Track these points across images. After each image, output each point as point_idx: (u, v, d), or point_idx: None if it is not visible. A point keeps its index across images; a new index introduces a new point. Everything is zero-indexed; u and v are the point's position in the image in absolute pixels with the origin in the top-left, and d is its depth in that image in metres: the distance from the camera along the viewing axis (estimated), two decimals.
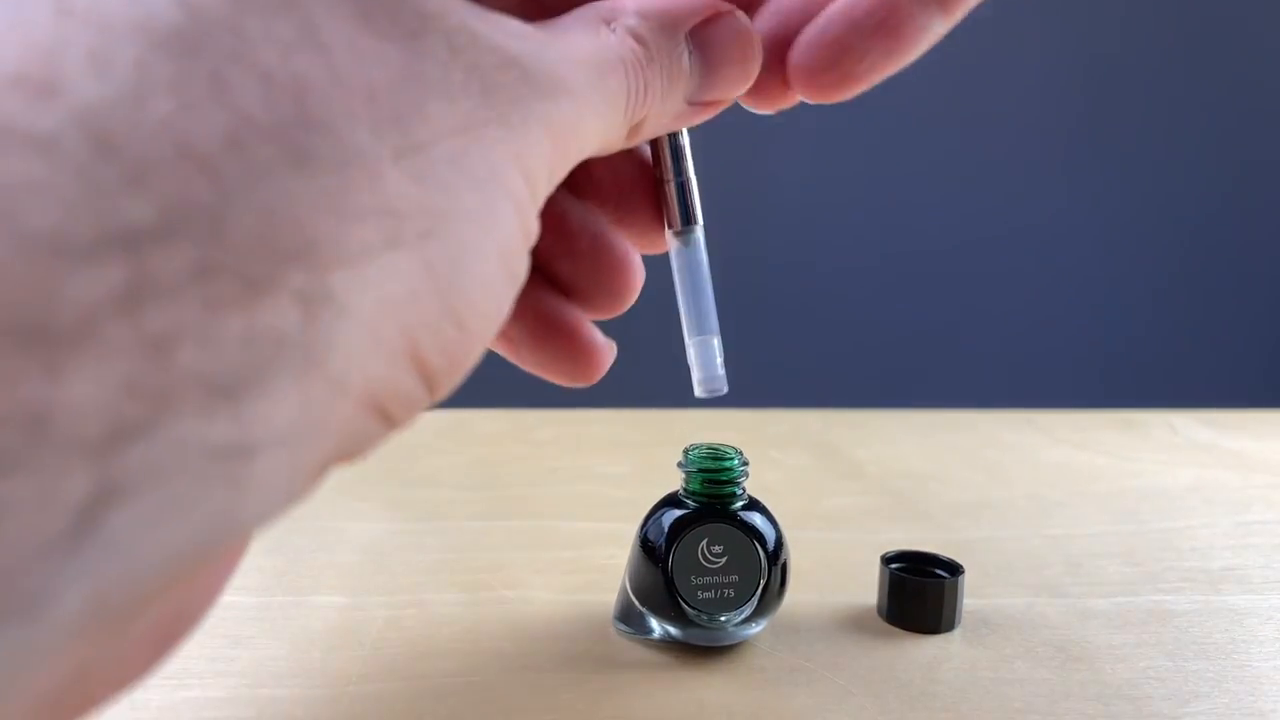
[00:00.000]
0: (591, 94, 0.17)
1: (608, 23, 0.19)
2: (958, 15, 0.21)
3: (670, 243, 0.24)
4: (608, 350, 0.24)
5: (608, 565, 0.33)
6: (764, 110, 0.23)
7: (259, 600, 0.29)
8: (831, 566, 0.33)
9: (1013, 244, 1.61)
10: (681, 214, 0.23)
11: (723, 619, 0.24)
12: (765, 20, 0.22)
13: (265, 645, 0.26)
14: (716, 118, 0.23)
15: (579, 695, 0.23)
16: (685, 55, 0.19)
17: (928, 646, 0.27)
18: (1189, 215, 1.65)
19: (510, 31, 0.15)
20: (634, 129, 0.19)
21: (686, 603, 0.24)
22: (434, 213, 0.13)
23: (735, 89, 0.21)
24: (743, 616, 0.25)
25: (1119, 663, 0.26)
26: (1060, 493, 0.43)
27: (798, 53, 0.21)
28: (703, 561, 0.24)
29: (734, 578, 0.24)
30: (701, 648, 0.26)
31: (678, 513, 0.25)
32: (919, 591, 0.28)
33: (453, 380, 0.14)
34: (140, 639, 0.12)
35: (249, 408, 0.10)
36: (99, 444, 0.09)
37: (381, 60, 0.12)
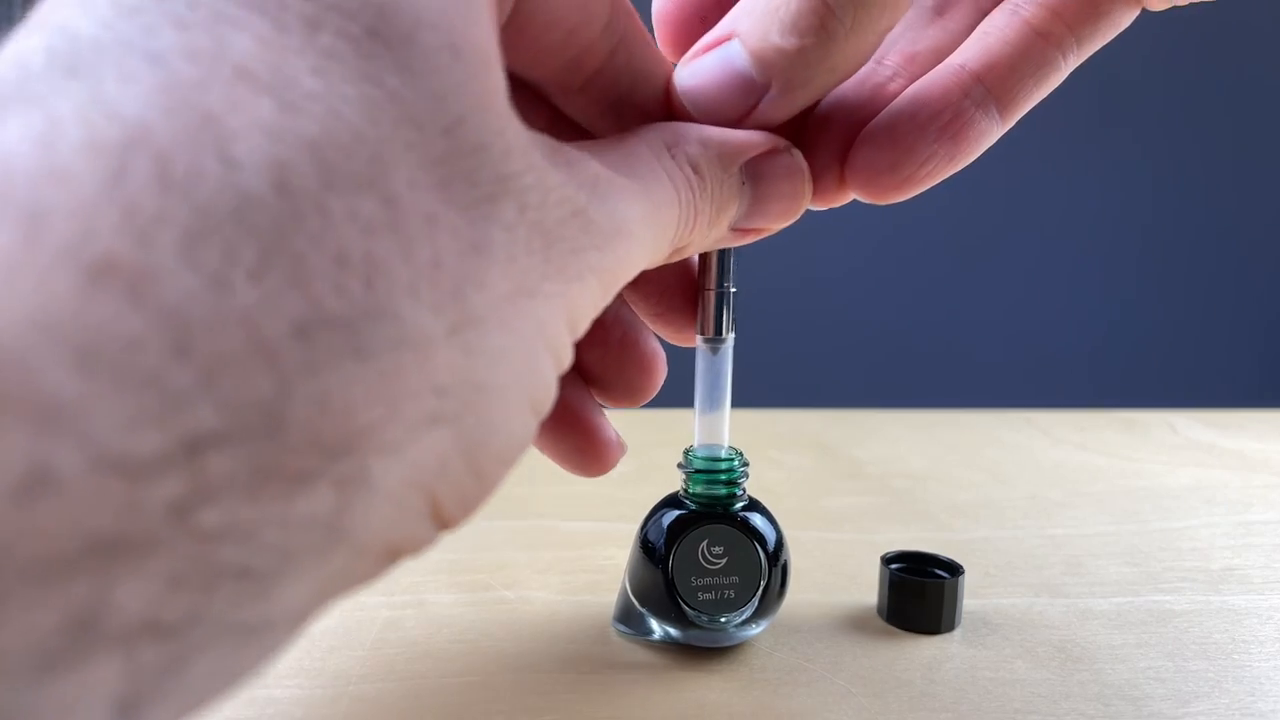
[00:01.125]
0: (646, 233, 0.17)
1: (670, 148, 0.19)
2: (1014, 120, 0.21)
3: (699, 345, 0.24)
4: (618, 448, 0.24)
5: (608, 565, 0.33)
6: (816, 206, 0.23)
7: None
8: (831, 566, 0.33)
9: (1013, 244, 1.61)
10: (716, 323, 0.24)
11: (723, 620, 0.24)
12: (824, 114, 0.22)
13: None
14: None
15: (579, 695, 0.23)
16: (739, 185, 0.20)
17: (928, 647, 0.27)
18: (1189, 215, 1.65)
19: (582, 177, 0.16)
20: (676, 251, 0.19)
21: (687, 604, 0.24)
22: (477, 385, 0.13)
23: (781, 221, 0.21)
24: (743, 618, 0.25)
25: (1119, 663, 0.26)
26: (1060, 493, 0.43)
27: (859, 155, 0.21)
28: (703, 563, 0.24)
29: (734, 579, 0.24)
30: (701, 648, 0.26)
31: (678, 513, 0.25)
32: (919, 592, 0.28)
33: (467, 518, 0.14)
34: None
35: (274, 589, 0.11)
36: (138, 639, 0.09)
37: (452, 231, 0.13)
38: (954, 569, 0.29)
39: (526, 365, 0.14)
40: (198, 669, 0.10)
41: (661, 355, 0.25)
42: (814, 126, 0.22)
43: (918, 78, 0.22)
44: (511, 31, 0.20)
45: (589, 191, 0.16)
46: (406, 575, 0.31)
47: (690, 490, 0.25)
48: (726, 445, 0.25)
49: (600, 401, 0.25)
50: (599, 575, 0.32)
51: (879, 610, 0.29)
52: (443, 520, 0.14)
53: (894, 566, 0.29)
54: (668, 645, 0.26)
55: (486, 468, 0.14)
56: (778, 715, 0.23)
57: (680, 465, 0.26)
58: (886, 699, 0.24)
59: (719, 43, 0.19)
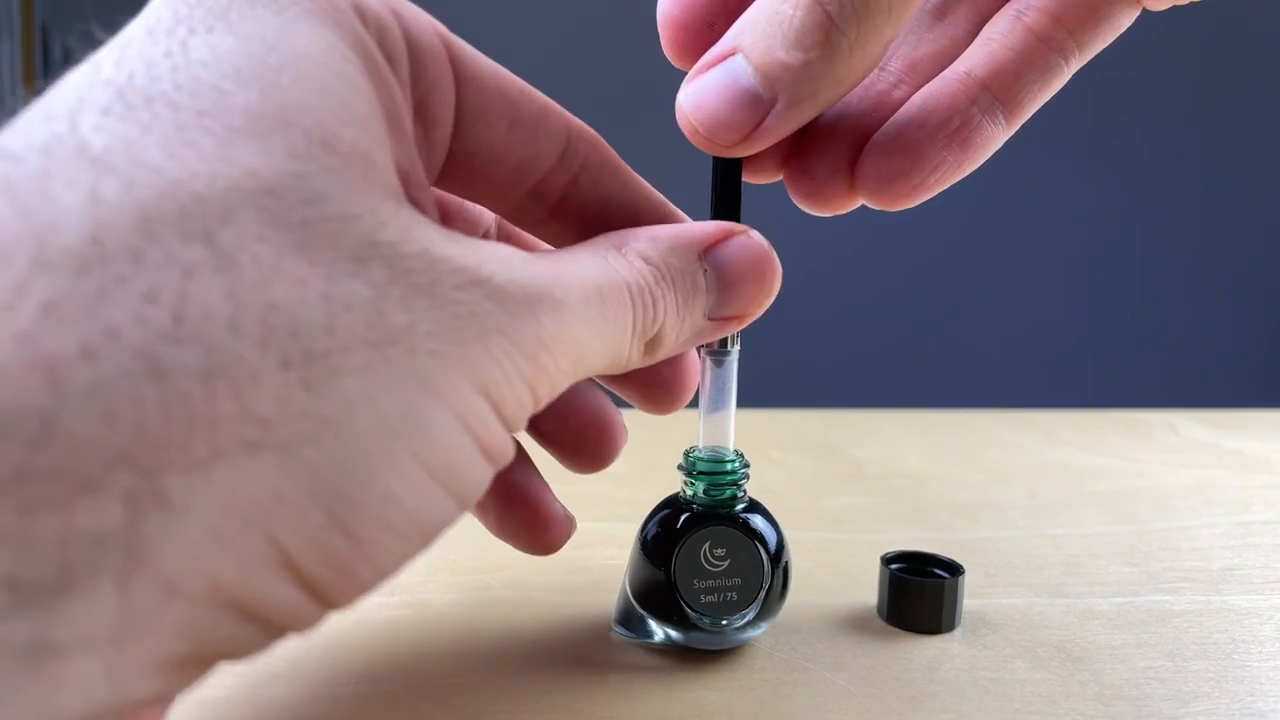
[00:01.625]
0: (586, 308, 0.17)
1: (619, 248, 0.19)
2: (1019, 124, 0.22)
3: (704, 356, 0.24)
4: (567, 525, 0.25)
5: (608, 565, 0.33)
6: (824, 214, 0.23)
7: None
8: (831, 566, 0.33)
9: (1014, 244, 1.61)
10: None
11: (725, 622, 0.24)
12: (830, 124, 0.22)
13: None
14: None
15: (579, 695, 0.23)
16: (701, 274, 0.20)
17: (928, 647, 0.27)
18: (1190, 215, 1.65)
19: (489, 256, 0.16)
20: (650, 344, 0.20)
21: (689, 606, 0.24)
22: (321, 419, 0.13)
23: (754, 305, 0.21)
24: (746, 620, 0.24)
25: (1119, 663, 0.26)
26: (1061, 493, 0.43)
27: (869, 163, 0.21)
28: (705, 565, 0.24)
29: (736, 580, 0.24)
30: (701, 649, 0.26)
31: (679, 515, 0.25)
32: (919, 592, 0.28)
33: (349, 591, 0.14)
34: None
35: (61, 606, 0.11)
36: None
37: (297, 280, 0.13)
38: (954, 569, 0.29)
39: (405, 417, 0.14)
40: None
41: (619, 420, 0.25)
42: (820, 135, 0.23)
43: (921, 84, 0.22)
44: (458, 165, 0.21)
45: (497, 264, 0.16)
46: (407, 575, 0.31)
47: (691, 492, 0.25)
48: (731, 447, 0.25)
49: (568, 466, 0.25)
50: (599, 575, 0.32)
51: (879, 610, 0.29)
52: (305, 579, 0.13)
53: (894, 566, 0.29)
54: (667, 646, 0.26)
55: (359, 527, 0.13)
56: (778, 715, 0.23)
57: (680, 467, 0.26)
58: (886, 699, 0.24)
59: (722, 59, 0.19)
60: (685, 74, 0.23)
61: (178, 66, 0.14)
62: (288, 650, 0.25)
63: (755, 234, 0.21)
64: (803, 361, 1.42)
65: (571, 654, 0.26)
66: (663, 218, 0.22)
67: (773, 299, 0.21)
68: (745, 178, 0.23)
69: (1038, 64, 0.21)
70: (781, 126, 0.19)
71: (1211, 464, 0.48)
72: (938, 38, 0.23)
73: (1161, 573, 0.33)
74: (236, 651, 0.13)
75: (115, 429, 0.11)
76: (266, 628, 0.13)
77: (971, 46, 0.22)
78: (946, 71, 0.22)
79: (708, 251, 0.20)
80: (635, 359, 0.19)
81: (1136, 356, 1.68)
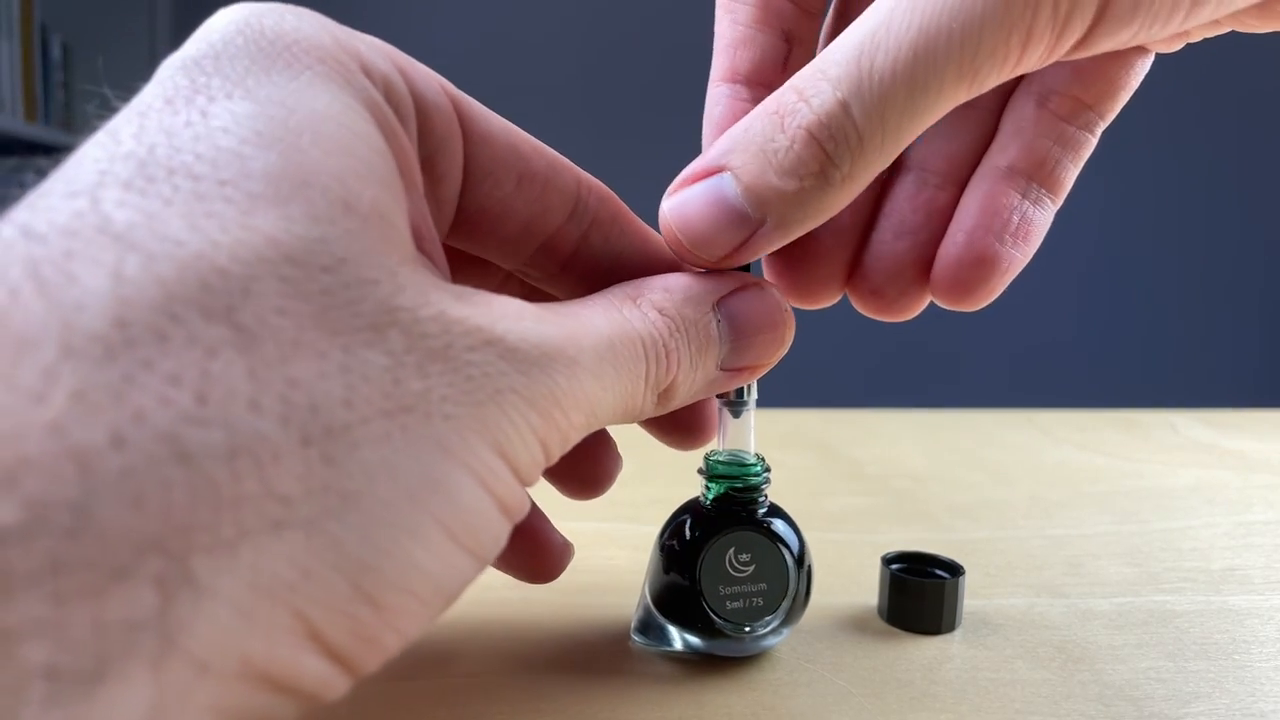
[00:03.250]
0: (600, 364, 0.17)
1: (634, 299, 0.19)
2: (1063, 199, 0.23)
3: (720, 406, 0.24)
4: (566, 552, 0.25)
5: (608, 565, 0.33)
6: (901, 319, 0.24)
7: None
8: (831, 566, 0.33)
9: None
10: (737, 389, 0.23)
11: (750, 629, 0.24)
12: (890, 244, 0.23)
13: None
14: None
15: (579, 695, 0.23)
16: (713, 324, 0.20)
17: (928, 647, 0.27)
18: (1190, 215, 1.65)
19: (501, 314, 0.16)
20: (664, 395, 0.20)
21: (715, 613, 0.24)
22: (343, 493, 0.13)
23: (767, 356, 0.21)
24: (771, 626, 0.24)
25: (1120, 663, 0.26)
26: (1061, 493, 0.43)
27: (946, 275, 0.22)
28: (731, 571, 0.24)
29: (762, 586, 0.24)
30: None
31: (701, 521, 0.25)
32: (919, 592, 0.28)
33: (375, 657, 0.14)
34: None
35: (98, 694, 0.11)
36: None
37: (317, 354, 0.13)
38: (954, 569, 0.29)
39: (426, 484, 0.14)
40: None
41: (614, 448, 0.25)
42: (882, 254, 0.23)
43: (963, 180, 0.23)
44: (467, 221, 0.21)
45: (510, 322, 0.16)
46: None
47: (712, 496, 0.25)
48: (753, 450, 0.25)
49: (565, 493, 0.25)
50: (599, 575, 0.32)
51: (879, 610, 0.29)
52: (333, 650, 0.13)
53: (894, 567, 0.29)
54: (688, 654, 0.26)
55: (384, 596, 0.14)
56: (778, 715, 0.23)
57: (700, 470, 0.25)
58: (887, 699, 0.24)
59: (709, 173, 0.19)
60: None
61: (199, 136, 0.14)
62: None
63: (768, 286, 0.21)
64: (803, 362, 1.42)
65: (573, 654, 0.26)
66: (673, 268, 0.22)
67: (785, 350, 0.22)
68: (804, 304, 0.23)
69: (1069, 144, 0.22)
70: (767, 246, 0.19)
71: (1212, 464, 0.48)
72: (969, 126, 0.23)
73: (1162, 573, 0.33)
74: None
75: (145, 515, 0.11)
76: (296, 698, 0.14)
77: (1004, 136, 0.23)
78: (988, 167, 0.22)
79: (720, 302, 0.20)
80: (649, 410, 0.20)
81: (1136, 356, 1.68)
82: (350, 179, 0.15)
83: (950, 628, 0.28)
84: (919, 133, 0.18)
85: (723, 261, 0.20)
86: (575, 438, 0.17)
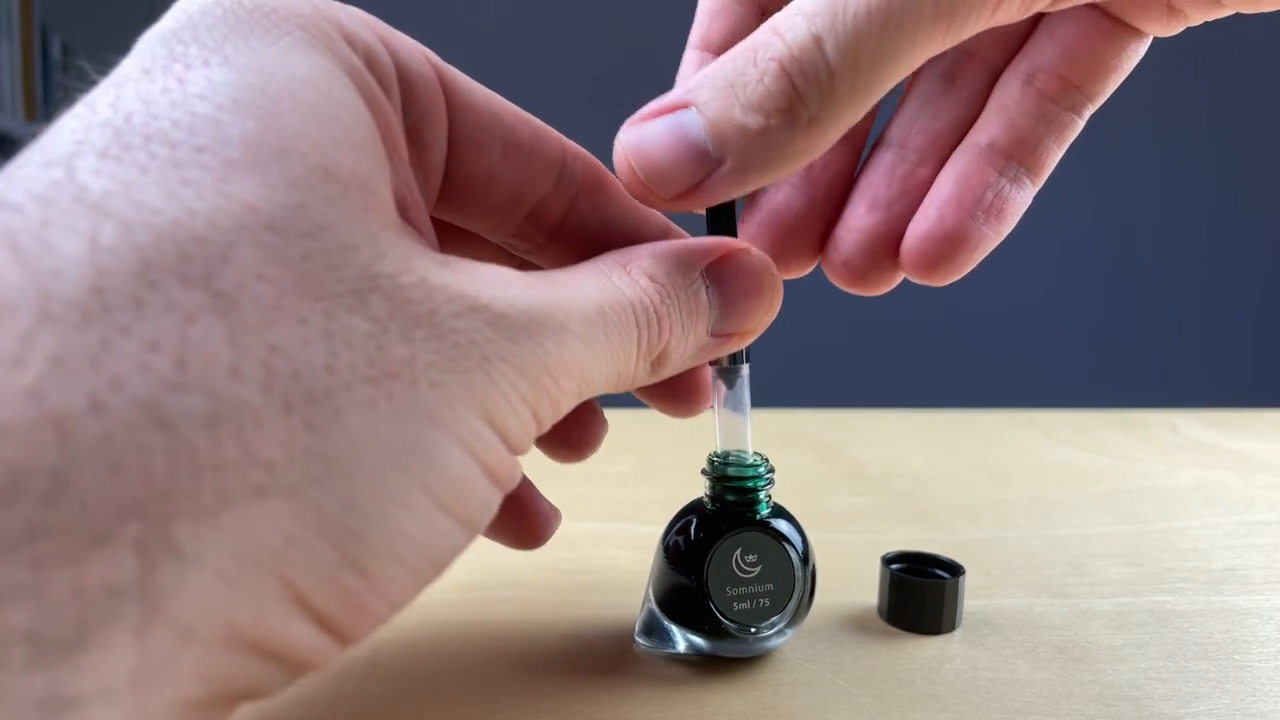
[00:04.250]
0: (590, 330, 0.17)
1: (623, 266, 0.19)
2: (1042, 182, 0.22)
3: (713, 376, 0.24)
4: (553, 518, 0.25)
5: (608, 565, 0.33)
6: (873, 294, 0.23)
7: None
8: (831, 566, 0.33)
9: (1014, 244, 1.61)
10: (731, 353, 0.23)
11: (756, 630, 0.24)
12: (864, 216, 0.23)
13: None
14: None
15: (579, 695, 0.23)
16: (702, 290, 0.20)
17: (928, 647, 0.27)
18: (1190, 215, 1.65)
19: (486, 280, 0.16)
20: (656, 362, 0.19)
21: (722, 614, 0.24)
22: (326, 459, 0.13)
23: (755, 320, 0.21)
24: (777, 627, 0.24)
25: (1120, 663, 0.26)
26: (1061, 493, 0.43)
27: (915, 248, 0.22)
28: (737, 571, 0.24)
29: (769, 586, 0.24)
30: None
31: (707, 522, 0.25)
32: (920, 592, 0.28)
33: (364, 625, 0.14)
34: None
35: (79, 659, 0.11)
36: None
37: (297, 320, 0.13)
38: (954, 569, 0.29)
39: (411, 450, 0.14)
40: None
41: (599, 411, 0.25)
42: (855, 226, 0.23)
43: (943, 157, 0.23)
44: (453, 191, 0.21)
45: (496, 289, 0.16)
46: None
47: (715, 496, 0.25)
48: (750, 449, 0.25)
49: (555, 458, 0.25)
50: (599, 575, 0.32)
51: (879, 610, 0.29)
52: (322, 617, 0.13)
53: (894, 567, 0.29)
54: (692, 656, 0.26)
55: (371, 563, 0.14)
56: (778, 715, 0.23)
57: (704, 471, 0.25)
58: (887, 699, 0.24)
59: (674, 109, 0.19)
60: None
61: (175, 103, 0.14)
62: None
63: (756, 252, 0.21)
64: (803, 361, 1.42)
65: (572, 654, 0.26)
66: (661, 235, 0.22)
67: (774, 315, 0.21)
68: (780, 272, 0.23)
69: (1054, 125, 0.22)
70: (722, 189, 0.19)
71: (1212, 464, 0.48)
72: (953, 104, 0.23)
73: (1162, 573, 0.33)
74: (257, 691, 0.14)
75: (124, 481, 0.11)
76: (285, 665, 0.13)
77: (988, 114, 0.22)
78: (968, 143, 0.22)
79: (709, 268, 0.20)
80: (642, 377, 0.19)
81: (1136, 356, 1.68)
82: (330, 146, 0.15)
83: (950, 628, 0.28)
84: (891, 82, 0.18)
85: (676, 202, 0.19)
86: (567, 405, 0.17)
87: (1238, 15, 0.20)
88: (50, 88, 1.72)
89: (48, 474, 0.11)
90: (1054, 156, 0.22)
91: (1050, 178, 0.23)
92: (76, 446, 0.11)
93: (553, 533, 0.25)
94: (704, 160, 0.18)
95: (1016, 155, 0.22)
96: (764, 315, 0.21)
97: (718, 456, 0.25)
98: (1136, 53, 0.22)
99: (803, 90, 0.17)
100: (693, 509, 0.25)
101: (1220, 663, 0.26)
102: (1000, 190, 0.22)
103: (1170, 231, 1.66)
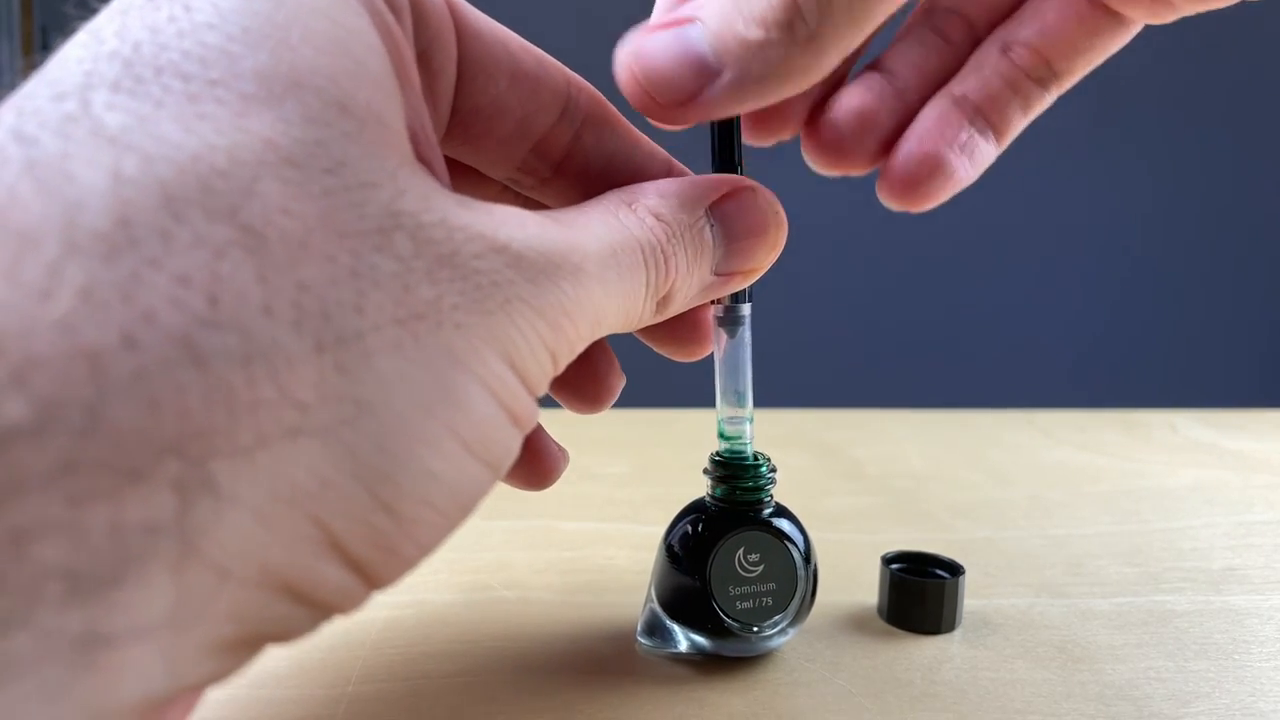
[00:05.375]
0: (604, 272, 0.17)
1: (629, 205, 0.19)
2: (1007, 143, 0.24)
3: (715, 328, 0.24)
4: (562, 459, 0.25)
5: (608, 565, 0.33)
6: (833, 174, 0.24)
7: None
8: (831, 566, 0.33)
9: (1013, 244, 1.61)
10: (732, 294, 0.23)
11: (759, 629, 0.24)
12: (857, 96, 0.23)
13: None
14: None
15: (578, 695, 0.23)
16: (706, 229, 0.20)
17: (928, 647, 0.27)
18: (1189, 215, 1.65)
19: (504, 220, 0.16)
20: (662, 302, 0.20)
21: (725, 614, 0.24)
22: (358, 401, 0.13)
23: (759, 259, 0.21)
24: (780, 626, 0.24)
25: (1120, 663, 0.26)
26: (1061, 493, 0.43)
27: (898, 166, 0.23)
28: (740, 571, 0.24)
29: (771, 585, 0.24)
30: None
31: (709, 521, 0.25)
32: (919, 592, 0.28)
33: (395, 568, 0.14)
34: None
35: (116, 596, 0.11)
36: None
37: (325, 257, 0.13)
38: (954, 569, 0.29)
39: (438, 393, 0.14)
40: (39, 677, 0.10)
41: (615, 363, 0.25)
42: (844, 102, 0.23)
43: (926, 95, 0.24)
44: (461, 123, 0.20)
45: (513, 229, 0.16)
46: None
47: (717, 495, 0.25)
48: (750, 409, 0.25)
49: (568, 407, 0.25)
50: (599, 575, 0.32)
51: (879, 610, 0.29)
52: (353, 560, 0.13)
53: (894, 566, 0.29)
54: (694, 656, 0.26)
55: (402, 505, 0.14)
56: (778, 715, 0.23)
57: (706, 471, 0.25)
58: (886, 699, 0.24)
59: (679, 23, 0.19)
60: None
61: (183, 31, 0.14)
62: (288, 650, 0.25)
63: (761, 189, 0.21)
64: (803, 361, 1.42)
65: (571, 654, 0.26)
66: (665, 172, 0.22)
67: (778, 253, 0.21)
68: (758, 134, 0.24)
69: (1021, 91, 0.23)
70: (720, 102, 0.19)
71: (1212, 464, 0.48)
72: (942, 53, 0.24)
73: (1162, 573, 0.33)
74: (286, 633, 0.14)
75: (160, 418, 0.11)
76: (315, 608, 0.13)
77: (965, 70, 0.24)
78: (945, 91, 0.23)
79: (713, 206, 0.20)
80: (648, 317, 0.19)
81: (1136, 356, 1.68)
82: (344, 79, 0.15)
83: (950, 628, 0.28)
84: (888, 7, 0.18)
85: (674, 113, 0.19)
86: (581, 347, 0.17)
87: (1241, 7, 0.21)
88: None
89: (82, 408, 0.11)
90: (1017, 122, 0.23)
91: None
92: (111, 382, 0.11)
93: (560, 473, 0.24)
94: (704, 69, 0.19)
95: (984, 111, 0.23)
96: (768, 253, 0.21)
97: (720, 454, 0.25)
98: (1115, 40, 0.23)
99: (802, 5, 0.18)
100: (695, 508, 0.25)
101: (1220, 663, 0.26)
102: (971, 136, 0.23)
103: (1170, 231, 1.66)
